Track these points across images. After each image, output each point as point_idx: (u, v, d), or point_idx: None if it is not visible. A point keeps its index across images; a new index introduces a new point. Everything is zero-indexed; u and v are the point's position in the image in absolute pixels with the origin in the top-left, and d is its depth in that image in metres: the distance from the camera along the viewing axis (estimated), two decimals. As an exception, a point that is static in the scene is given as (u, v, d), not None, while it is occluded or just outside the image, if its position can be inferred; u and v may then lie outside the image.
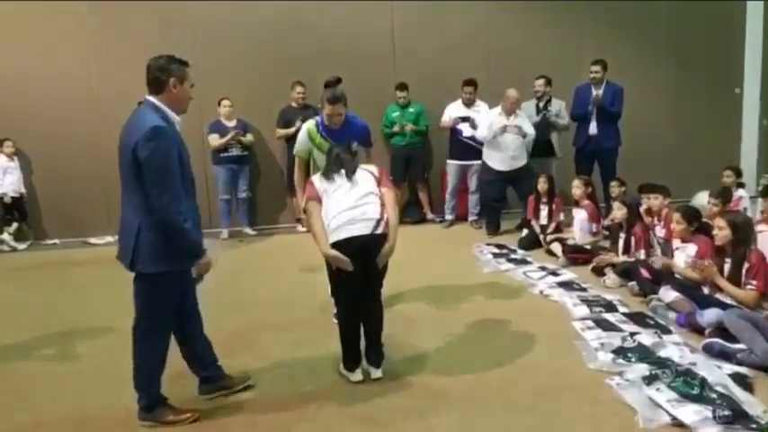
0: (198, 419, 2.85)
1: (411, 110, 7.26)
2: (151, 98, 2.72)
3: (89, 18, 7.06)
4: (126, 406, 2.92)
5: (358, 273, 3.03)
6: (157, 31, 7.00)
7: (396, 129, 7.19)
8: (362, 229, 2.97)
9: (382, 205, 3.07)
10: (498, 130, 6.37)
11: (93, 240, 7.23)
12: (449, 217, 7.23)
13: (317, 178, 3.25)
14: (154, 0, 7.05)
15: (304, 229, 7.11)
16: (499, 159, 6.46)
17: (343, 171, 3.16)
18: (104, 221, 7.29)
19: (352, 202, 3.02)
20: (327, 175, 3.18)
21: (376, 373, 3.22)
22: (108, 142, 6.93)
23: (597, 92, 6.39)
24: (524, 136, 6.37)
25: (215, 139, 6.87)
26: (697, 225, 4.21)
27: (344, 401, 3.00)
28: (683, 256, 4.18)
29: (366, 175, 3.19)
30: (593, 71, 6.46)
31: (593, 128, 6.50)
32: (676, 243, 4.33)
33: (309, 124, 3.96)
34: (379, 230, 3.00)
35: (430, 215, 7.52)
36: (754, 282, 3.51)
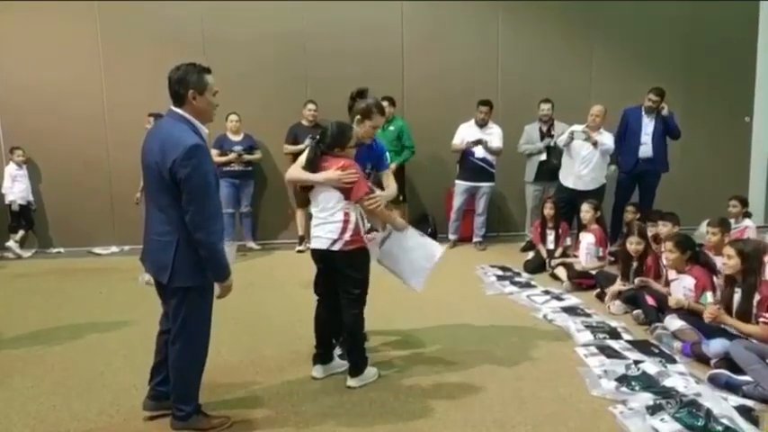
0: (231, 425, 2.90)
1: (391, 128, 6.91)
2: (176, 109, 2.68)
3: (101, 32, 7.15)
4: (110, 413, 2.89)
5: (322, 277, 3.42)
6: (169, 44, 7.08)
7: None
8: (321, 243, 3.25)
9: (345, 222, 3.21)
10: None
11: (97, 250, 7.25)
12: (452, 237, 7.20)
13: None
14: (166, 12, 7.14)
15: (302, 248, 7.07)
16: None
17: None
18: (110, 231, 7.34)
19: (318, 215, 3.28)
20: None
21: (347, 381, 3.34)
22: (117, 154, 7.18)
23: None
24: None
25: (215, 155, 6.87)
26: (690, 254, 4.16)
27: (342, 421, 2.96)
28: (681, 288, 4.12)
29: (334, 193, 3.22)
30: (653, 100, 6.38)
31: (645, 151, 6.48)
32: (672, 274, 4.27)
33: None
34: (336, 248, 3.20)
35: None
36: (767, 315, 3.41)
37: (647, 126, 6.48)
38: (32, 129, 7.11)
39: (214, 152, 6.84)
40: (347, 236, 3.20)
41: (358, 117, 3.37)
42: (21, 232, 7.12)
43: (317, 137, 3.33)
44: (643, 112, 6.49)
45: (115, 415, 3.04)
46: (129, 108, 6.98)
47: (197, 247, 2.58)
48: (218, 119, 7.15)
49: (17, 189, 7.02)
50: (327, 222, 3.23)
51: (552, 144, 6.68)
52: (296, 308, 4.55)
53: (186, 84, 2.64)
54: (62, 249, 7.35)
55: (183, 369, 2.80)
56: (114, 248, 7.33)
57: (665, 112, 6.40)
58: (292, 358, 3.74)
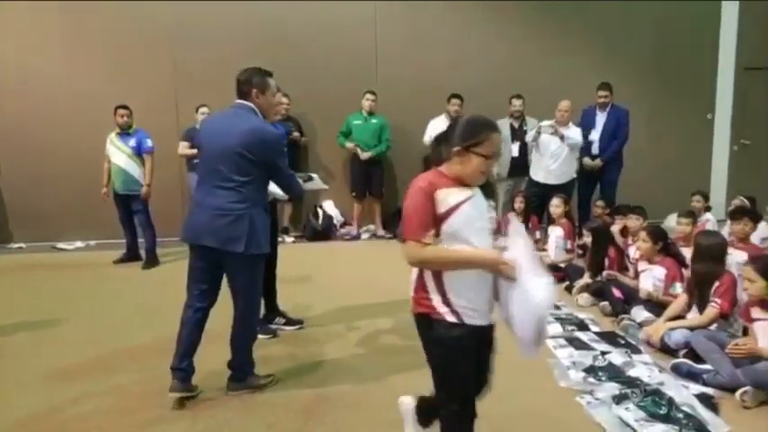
0: (277, 382, 3.30)
1: (374, 120, 7.16)
2: (247, 102, 3.08)
3: (64, 22, 6.97)
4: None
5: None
6: (136, 35, 6.95)
7: (350, 146, 7.15)
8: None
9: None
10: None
11: (61, 245, 7.08)
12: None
13: None
14: (133, 0, 6.99)
15: (290, 239, 7.12)
16: None
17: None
18: (74, 226, 7.16)
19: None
20: None
21: None
22: (82, 145, 7.00)
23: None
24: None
25: (183, 147, 6.76)
26: (662, 245, 4.28)
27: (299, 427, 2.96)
28: (651, 278, 4.23)
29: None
30: (601, 96, 6.54)
31: (596, 147, 6.59)
32: (642, 265, 4.38)
33: None
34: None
35: (380, 231, 7.46)
36: (719, 300, 3.55)
37: (599, 123, 6.62)
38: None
39: (184, 144, 6.75)
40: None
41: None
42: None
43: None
44: (597, 110, 6.63)
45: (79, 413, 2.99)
46: (95, 97, 6.82)
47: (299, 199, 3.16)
48: (188, 111, 7.11)
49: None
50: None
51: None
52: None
53: (250, 83, 3.07)
54: (23, 245, 7.15)
55: (247, 332, 3.19)
56: (79, 243, 7.17)
57: (604, 114, 6.58)
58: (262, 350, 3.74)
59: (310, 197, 7.45)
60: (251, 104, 3.07)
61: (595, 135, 6.58)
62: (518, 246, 2.06)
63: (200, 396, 3.13)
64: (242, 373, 3.20)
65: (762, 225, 5.00)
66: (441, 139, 2.17)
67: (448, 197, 2.02)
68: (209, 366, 3.27)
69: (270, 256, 3.96)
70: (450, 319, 2.07)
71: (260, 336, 3.66)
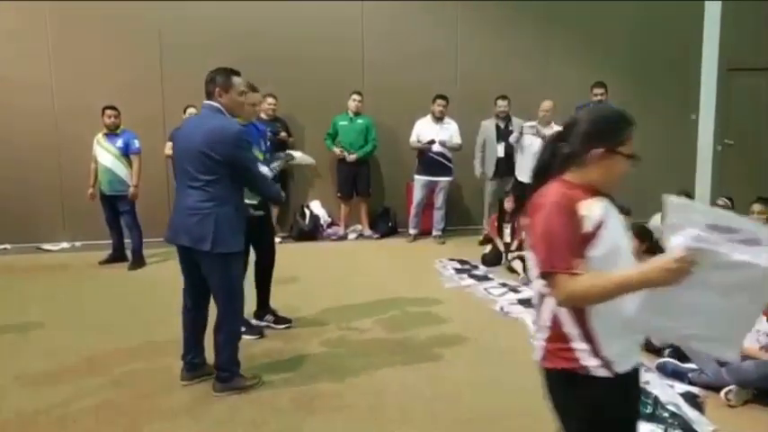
0: (263, 383, 3.29)
1: (360, 121, 7.18)
2: (213, 102, 3.12)
3: (50, 23, 6.89)
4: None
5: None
6: (120, 38, 6.90)
7: (337, 151, 7.15)
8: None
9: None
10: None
11: (47, 246, 7.01)
12: (413, 231, 7.25)
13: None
14: (117, 1, 6.94)
15: (277, 239, 7.08)
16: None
17: None
18: (60, 226, 7.09)
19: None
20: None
21: None
22: (67, 146, 6.94)
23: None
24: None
25: (168, 148, 6.69)
26: (648, 245, 4.32)
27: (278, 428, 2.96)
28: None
29: None
30: (597, 93, 6.62)
31: None
32: None
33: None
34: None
35: (367, 232, 7.48)
36: None
37: None
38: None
39: (169, 145, 6.67)
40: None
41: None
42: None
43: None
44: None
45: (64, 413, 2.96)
46: (80, 100, 6.76)
47: (272, 204, 3.21)
48: (176, 112, 7.06)
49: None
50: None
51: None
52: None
53: (214, 82, 3.11)
54: (8, 246, 7.06)
55: (229, 332, 3.16)
56: (65, 244, 7.10)
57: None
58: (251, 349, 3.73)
59: (296, 197, 7.46)
60: (217, 104, 3.11)
61: None
62: (687, 222, 1.43)
63: (189, 395, 3.12)
64: (227, 373, 3.21)
65: None
66: (557, 141, 1.76)
67: (591, 211, 1.61)
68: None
69: (264, 253, 4.11)
70: (603, 373, 1.61)
71: (246, 336, 3.70)
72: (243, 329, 4.03)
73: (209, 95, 3.13)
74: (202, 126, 3.07)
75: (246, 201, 3.44)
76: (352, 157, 7.09)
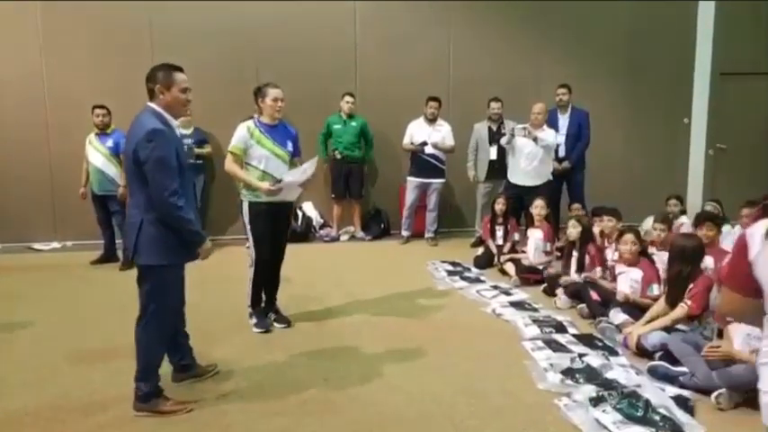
0: (191, 411, 2.99)
1: (354, 123, 7.18)
2: (151, 104, 2.92)
3: (41, 21, 6.85)
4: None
5: None
6: (112, 36, 6.86)
7: (338, 156, 7.17)
8: None
9: None
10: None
11: (37, 246, 6.96)
12: (405, 233, 7.25)
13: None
14: (109, 0, 6.90)
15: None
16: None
17: None
18: (50, 226, 7.05)
19: None
20: None
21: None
22: (57, 146, 6.88)
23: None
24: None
25: None
26: (640, 248, 4.34)
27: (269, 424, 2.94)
28: (628, 280, 4.27)
29: None
30: (560, 93, 6.64)
31: (560, 150, 6.66)
32: (619, 268, 4.41)
33: (248, 123, 4.17)
34: None
35: (360, 233, 7.48)
36: (689, 302, 3.60)
37: (563, 127, 6.69)
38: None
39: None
40: None
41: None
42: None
43: None
44: (558, 112, 6.70)
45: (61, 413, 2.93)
46: (70, 99, 6.73)
47: (167, 225, 2.81)
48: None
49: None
50: None
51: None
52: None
53: (154, 79, 2.90)
54: (-2, 245, 7.03)
55: (145, 347, 2.94)
56: (56, 244, 7.06)
57: (566, 116, 6.70)
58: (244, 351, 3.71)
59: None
60: (152, 105, 2.90)
61: (560, 138, 6.64)
62: None
63: (176, 397, 3.10)
64: (140, 391, 2.93)
65: (726, 228, 5.05)
66: None
67: None
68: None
69: (283, 247, 4.24)
70: None
71: (255, 330, 4.07)
72: (273, 317, 4.24)
73: (151, 93, 2.91)
74: (131, 128, 2.89)
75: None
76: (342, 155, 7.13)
